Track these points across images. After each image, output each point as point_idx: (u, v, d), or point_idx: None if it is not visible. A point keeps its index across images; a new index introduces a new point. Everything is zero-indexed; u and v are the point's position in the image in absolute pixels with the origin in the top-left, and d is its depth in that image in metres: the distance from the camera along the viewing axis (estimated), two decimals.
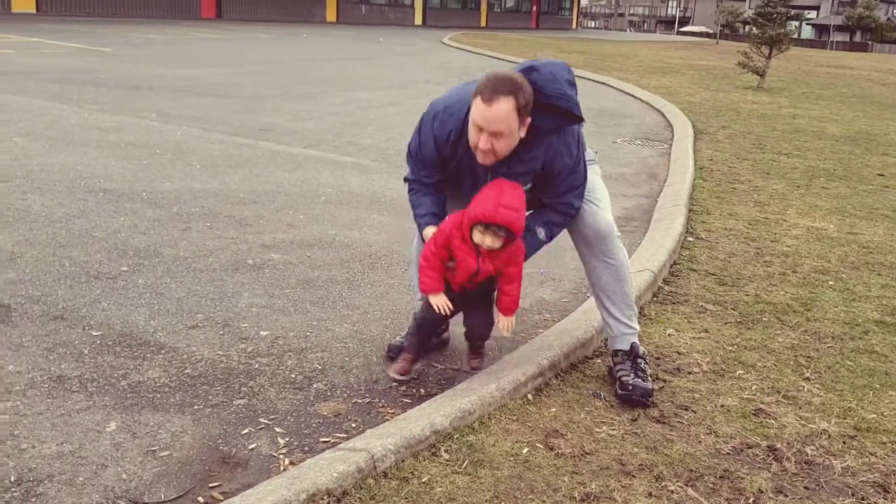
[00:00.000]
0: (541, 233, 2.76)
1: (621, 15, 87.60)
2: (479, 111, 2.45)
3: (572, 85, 2.60)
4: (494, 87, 2.44)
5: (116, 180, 5.27)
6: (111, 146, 6.32)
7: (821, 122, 11.20)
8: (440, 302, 2.68)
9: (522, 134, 2.54)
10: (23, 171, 5.30)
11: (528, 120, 2.52)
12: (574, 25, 61.50)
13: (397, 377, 2.82)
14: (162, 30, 21.40)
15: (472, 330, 2.90)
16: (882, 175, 7.48)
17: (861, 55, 48.88)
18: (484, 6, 48.97)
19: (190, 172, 5.69)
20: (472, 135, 2.53)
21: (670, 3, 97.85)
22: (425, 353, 2.98)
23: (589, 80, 15.98)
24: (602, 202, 2.87)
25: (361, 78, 13.91)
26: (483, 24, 48.41)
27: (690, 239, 4.94)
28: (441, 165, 2.75)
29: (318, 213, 4.93)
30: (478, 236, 2.57)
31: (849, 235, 5.25)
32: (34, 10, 24.06)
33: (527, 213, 2.68)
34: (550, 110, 2.55)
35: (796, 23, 18.27)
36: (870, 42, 74.17)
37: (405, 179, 2.88)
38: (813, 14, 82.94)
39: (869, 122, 11.62)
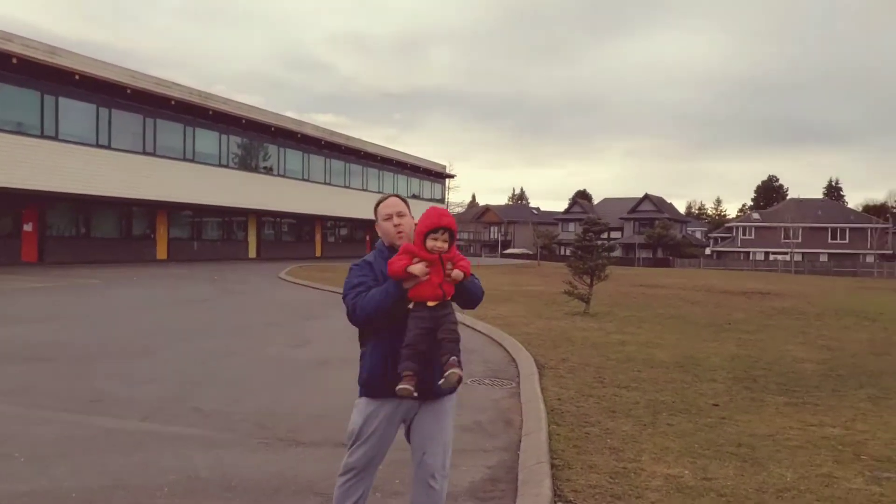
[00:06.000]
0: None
1: None
2: (384, 207, 3.72)
3: None
4: (384, 196, 3.83)
5: None
6: None
7: (648, 348, 11.94)
8: (419, 267, 3.43)
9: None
10: None
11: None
12: None
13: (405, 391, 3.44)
14: None
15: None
16: (717, 405, 7.93)
17: (667, 271, 54.59)
18: (318, 236, 50.33)
19: (12, 468, 5.07)
20: (387, 229, 3.69)
21: (492, 229, 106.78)
22: None
23: None
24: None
25: (199, 324, 13.53)
26: (318, 253, 49.51)
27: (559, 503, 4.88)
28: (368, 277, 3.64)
29: None
30: (430, 243, 3.48)
31: (704, 482, 5.38)
32: None
33: None
34: None
35: (609, 254, 20.22)
36: (670, 257, 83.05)
37: (343, 297, 3.62)
38: (618, 234, 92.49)
39: (690, 344, 12.52)
